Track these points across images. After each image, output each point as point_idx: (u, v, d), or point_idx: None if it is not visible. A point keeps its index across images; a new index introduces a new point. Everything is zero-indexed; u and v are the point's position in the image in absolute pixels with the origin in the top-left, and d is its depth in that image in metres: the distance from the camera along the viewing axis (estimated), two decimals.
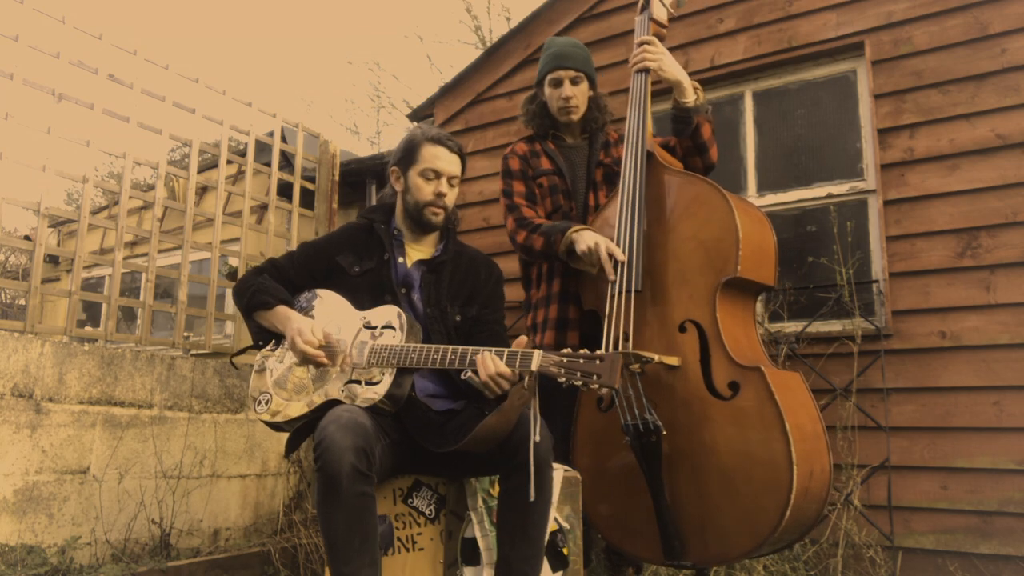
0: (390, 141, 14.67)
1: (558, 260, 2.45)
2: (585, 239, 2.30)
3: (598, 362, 1.68)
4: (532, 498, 1.75)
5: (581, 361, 1.70)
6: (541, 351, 1.75)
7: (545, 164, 2.63)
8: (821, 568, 2.88)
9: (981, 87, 3.03)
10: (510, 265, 3.85)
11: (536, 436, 1.75)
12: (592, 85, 2.66)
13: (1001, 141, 2.95)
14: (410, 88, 19.00)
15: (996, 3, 3.05)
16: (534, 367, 1.73)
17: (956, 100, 3.07)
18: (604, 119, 2.67)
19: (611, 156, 2.63)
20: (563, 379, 1.70)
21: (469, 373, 1.79)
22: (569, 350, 1.74)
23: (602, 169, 2.62)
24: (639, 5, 2.56)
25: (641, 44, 2.46)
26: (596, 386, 1.68)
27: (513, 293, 3.82)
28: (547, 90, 2.64)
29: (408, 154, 2.18)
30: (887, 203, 3.15)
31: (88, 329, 3.83)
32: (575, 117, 2.62)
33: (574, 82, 2.59)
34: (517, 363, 1.75)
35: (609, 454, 2.25)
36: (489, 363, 1.77)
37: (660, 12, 2.52)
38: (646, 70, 2.44)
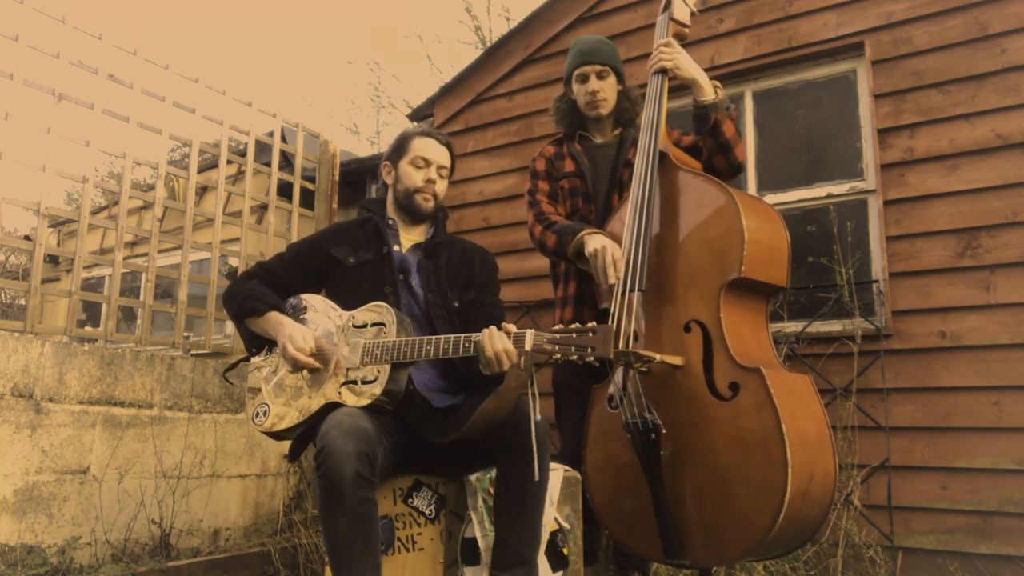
0: (390, 141, 14.65)
1: (567, 260, 2.47)
2: (593, 241, 2.32)
3: (591, 334, 1.69)
4: (537, 478, 1.76)
5: (574, 335, 1.70)
6: (534, 330, 1.76)
7: (568, 166, 2.64)
8: (821, 568, 2.88)
9: (981, 87, 3.02)
10: (510, 265, 3.87)
11: (537, 415, 1.76)
12: (620, 79, 2.66)
13: (1001, 141, 2.95)
14: (410, 88, 19.00)
15: (996, 3, 3.05)
16: (528, 346, 1.73)
17: (956, 100, 3.07)
18: (636, 111, 2.66)
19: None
20: (558, 355, 1.71)
21: (477, 338, 1.79)
22: (561, 325, 1.75)
23: (629, 168, 2.61)
24: (661, 5, 2.57)
25: (659, 46, 2.48)
26: (591, 358, 1.69)
27: (513, 293, 3.84)
28: (574, 87, 2.64)
29: (399, 147, 2.24)
30: (887, 203, 3.15)
31: (88, 329, 3.83)
32: (603, 111, 2.61)
33: (600, 76, 2.59)
34: (510, 343, 1.76)
35: (616, 452, 2.25)
36: (496, 339, 1.77)
37: (682, 12, 2.54)
38: (663, 71, 2.45)
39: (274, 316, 2.04)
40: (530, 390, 1.78)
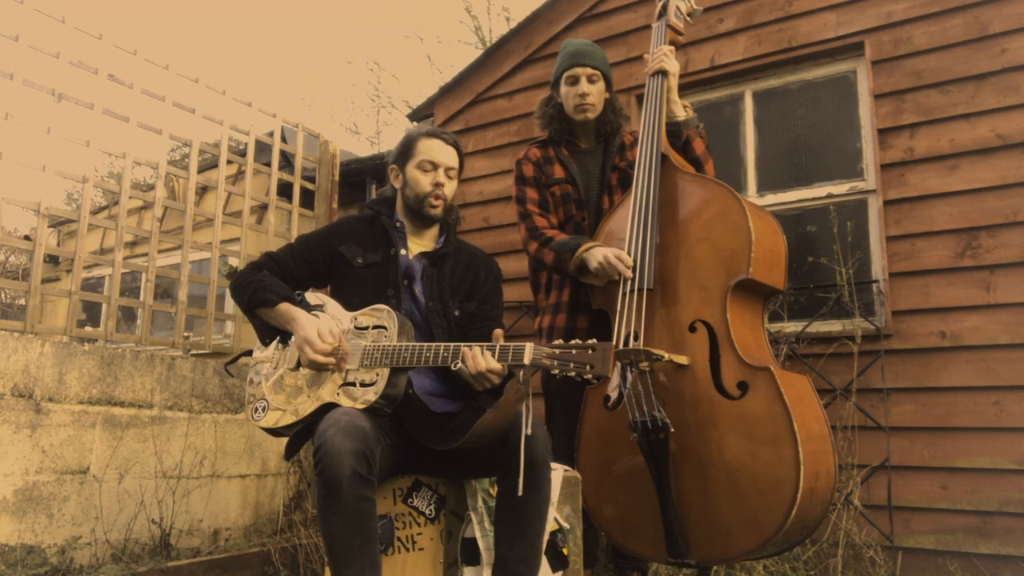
0: (390, 141, 14.67)
1: (567, 276, 2.48)
2: (595, 256, 2.33)
3: (590, 351, 1.69)
4: (520, 492, 1.74)
5: (573, 352, 1.70)
6: (533, 344, 1.76)
7: (558, 172, 2.63)
8: (821, 568, 2.88)
9: (981, 87, 3.02)
10: (510, 265, 3.87)
11: (528, 429, 1.75)
12: (608, 86, 2.66)
13: (1001, 141, 2.95)
14: (410, 88, 19.01)
15: (996, 3, 3.05)
16: (527, 360, 1.73)
17: (956, 100, 3.07)
18: (619, 122, 2.67)
19: (626, 160, 2.64)
20: (556, 370, 1.70)
21: (459, 364, 1.79)
22: (561, 341, 1.74)
23: (617, 173, 2.62)
24: (656, 11, 2.59)
25: (656, 51, 2.51)
26: (590, 376, 1.69)
27: (513, 293, 3.83)
28: (563, 88, 2.63)
29: (405, 150, 2.21)
30: (887, 203, 3.15)
31: (88, 329, 3.83)
32: (591, 115, 2.61)
33: (591, 80, 2.59)
34: (510, 357, 1.76)
35: (615, 453, 2.25)
36: (479, 359, 1.77)
37: (677, 18, 2.57)
38: (663, 72, 2.46)
39: (286, 308, 2.00)
40: (526, 404, 1.78)
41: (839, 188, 3.36)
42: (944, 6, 3.14)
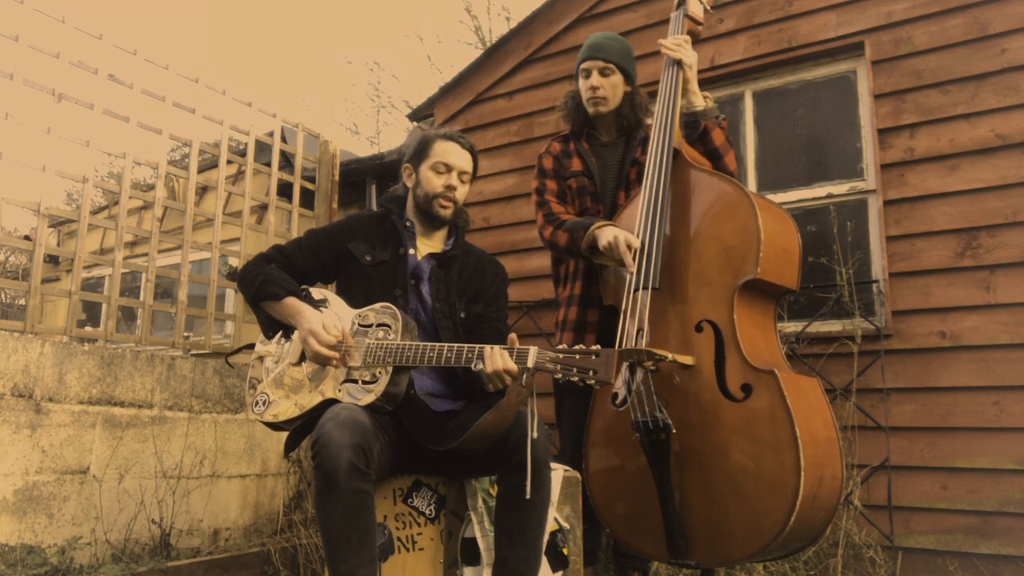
0: (390, 141, 14.68)
1: (581, 257, 2.46)
2: (606, 234, 2.31)
3: (594, 358, 1.69)
4: (528, 495, 1.75)
5: (577, 357, 1.71)
6: (537, 348, 1.76)
7: (576, 165, 2.62)
8: (821, 568, 2.88)
9: (981, 87, 3.02)
10: (510, 265, 3.85)
11: (534, 432, 1.76)
12: (628, 80, 2.62)
13: (1001, 141, 2.95)
14: (410, 88, 19.01)
15: (996, 3, 3.05)
16: (530, 363, 1.74)
17: (956, 100, 3.07)
18: (637, 117, 2.64)
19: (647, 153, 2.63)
20: (559, 375, 1.71)
21: (480, 365, 1.79)
22: (565, 346, 1.75)
23: (637, 167, 2.60)
24: (676, 0, 2.56)
25: (674, 38, 2.47)
26: (592, 381, 1.69)
27: (513, 293, 3.81)
28: (579, 82, 2.62)
29: (421, 150, 2.21)
30: (887, 203, 3.15)
31: (88, 329, 3.83)
32: (603, 109, 2.59)
33: (603, 73, 2.56)
34: (513, 359, 1.76)
35: (621, 450, 2.24)
36: (497, 358, 1.77)
37: (696, 8, 2.53)
38: (679, 63, 2.42)
39: (292, 303, 2.00)
40: (530, 407, 1.78)
41: (839, 188, 3.36)
42: (944, 6, 3.14)
